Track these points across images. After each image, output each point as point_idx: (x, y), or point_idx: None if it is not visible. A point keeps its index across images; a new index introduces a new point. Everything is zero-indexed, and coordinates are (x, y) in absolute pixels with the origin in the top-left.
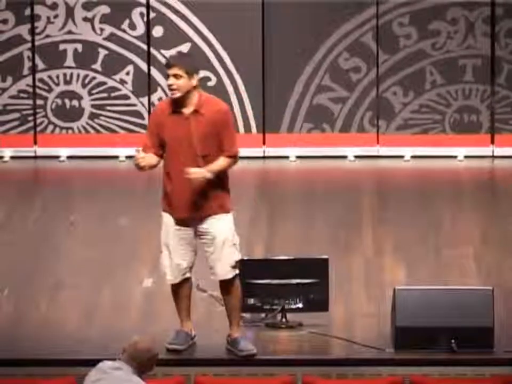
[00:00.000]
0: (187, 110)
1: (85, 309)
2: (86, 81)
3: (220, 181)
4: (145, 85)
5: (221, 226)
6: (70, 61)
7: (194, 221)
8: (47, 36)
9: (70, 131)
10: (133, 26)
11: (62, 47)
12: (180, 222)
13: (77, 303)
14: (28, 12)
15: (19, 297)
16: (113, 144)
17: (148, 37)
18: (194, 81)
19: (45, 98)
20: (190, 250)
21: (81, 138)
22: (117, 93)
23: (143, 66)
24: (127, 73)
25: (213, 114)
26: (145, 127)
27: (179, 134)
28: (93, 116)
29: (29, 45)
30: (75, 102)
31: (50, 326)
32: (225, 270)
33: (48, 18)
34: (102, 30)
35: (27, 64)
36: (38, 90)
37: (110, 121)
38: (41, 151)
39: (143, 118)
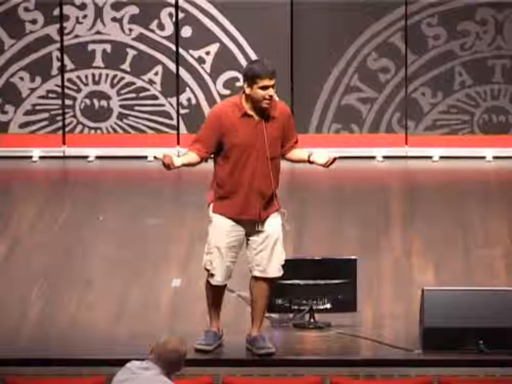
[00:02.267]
0: (259, 115)
1: (114, 308)
2: (115, 81)
3: (273, 180)
4: (174, 85)
5: (275, 224)
6: (98, 61)
7: (254, 221)
8: (76, 36)
9: (98, 131)
10: (161, 26)
11: (90, 47)
12: (238, 224)
13: (107, 303)
14: (56, 12)
15: (50, 296)
16: (142, 144)
17: (176, 37)
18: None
19: (74, 99)
20: (238, 252)
21: (110, 138)
22: (145, 93)
23: (172, 66)
24: (156, 74)
25: (284, 115)
26: (174, 128)
27: (251, 138)
28: (121, 116)
29: (58, 45)
30: (104, 102)
31: (80, 326)
32: (277, 268)
33: (77, 18)
34: (130, 30)
35: (56, 64)
36: (66, 91)
37: (139, 122)
38: (69, 151)
39: (171, 118)
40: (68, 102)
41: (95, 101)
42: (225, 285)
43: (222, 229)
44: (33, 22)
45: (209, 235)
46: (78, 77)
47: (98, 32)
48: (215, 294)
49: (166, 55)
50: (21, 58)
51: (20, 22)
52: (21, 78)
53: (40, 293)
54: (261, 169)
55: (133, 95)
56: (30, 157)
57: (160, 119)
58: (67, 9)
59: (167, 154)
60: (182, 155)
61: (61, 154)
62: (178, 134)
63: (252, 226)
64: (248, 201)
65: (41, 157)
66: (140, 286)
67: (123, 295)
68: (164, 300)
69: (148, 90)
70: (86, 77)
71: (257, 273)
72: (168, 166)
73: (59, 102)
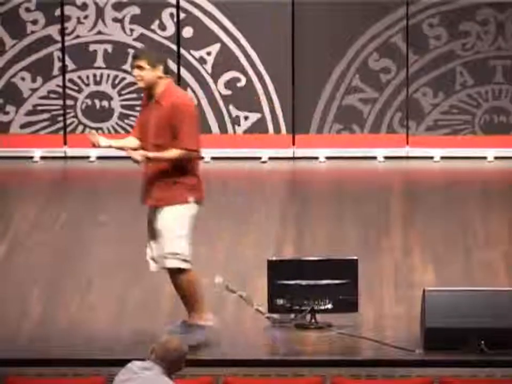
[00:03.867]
0: (152, 100)
1: (115, 309)
2: (116, 81)
3: (173, 172)
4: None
5: (167, 216)
6: (100, 62)
7: (151, 210)
8: (77, 37)
9: (99, 131)
10: (162, 27)
11: (92, 47)
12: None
13: (107, 303)
14: (58, 12)
15: (50, 297)
16: None
17: (177, 37)
18: (158, 72)
19: (75, 99)
20: (152, 238)
21: (111, 138)
22: None
23: (173, 67)
24: None
25: (170, 106)
26: None
27: (143, 122)
28: (122, 117)
29: (59, 45)
30: (105, 103)
31: (81, 325)
32: (168, 259)
33: (78, 18)
34: (132, 30)
35: (57, 64)
36: (67, 91)
37: None
38: (71, 151)
39: None
40: (69, 102)
41: (96, 101)
42: None
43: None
44: (34, 22)
45: None
46: (79, 77)
47: (99, 33)
48: (197, 282)
49: (168, 56)
50: (22, 59)
51: (21, 22)
52: (22, 79)
53: (40, 293)
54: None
55: (134, 95)
56: (32, 157)
57: None
58: (68, 10)
59: (94, 134)
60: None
61: (62, 154)
62: None
63: (151, 214)
64: (144, 188)
65: (43, 157)
66: (140, 286)
67: (123, 295)
68: (164, 300)
69: None
70: (87, 77)
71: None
72: (93, 145)
73: (60, 102)
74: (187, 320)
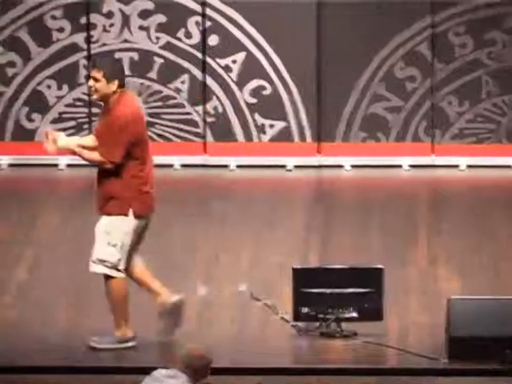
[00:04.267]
0: (104, 109)
1: (142, 317)
2: (142, 89)
3: (119, 183)
4: (201, 94)
5: (101, 224)
6: (125, 69)
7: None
8: (103, 45)
9: None
10: (188, 35)
11: (117, 55)
12: None
13: (135, 311)
14: (83, 20)
15: (76, 305)
16: (168, 153)
17: (203, 45)
18: (113, 87)
19: (101, 106)
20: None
21: None
22: (172, 102)
23: (199, 75)
24: (183, 82)
25: (109, 117)
26: (200, 136)
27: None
28: (148, 124)
29: (85, 53)
30: None
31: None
32: (91, 263)
33: (104, 26)
34: (158, 38)
35: (83, 72)
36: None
37: (165, 130)
38: None
39: (198, 127)
40: (94, 110)
41: None
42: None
43: None
44: (61, 30)
45: None
46: None
47: (125, 41)
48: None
49: (193, 64)
50: (48, 67)
51: (47, 30)
52: (48, 86)
53: (66, 302)
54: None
55: (160, 103)
56: (57, 165)
57: (187, 127)
58: (94, 18)
59: (54, 136)
60: None
61: (88, 162)
62: (204, 142)
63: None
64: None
65: (68, 165)
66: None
67: (151, 304)
68: (190, 308)
69: (175, 98)
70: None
71: None
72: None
73: (86, 110)
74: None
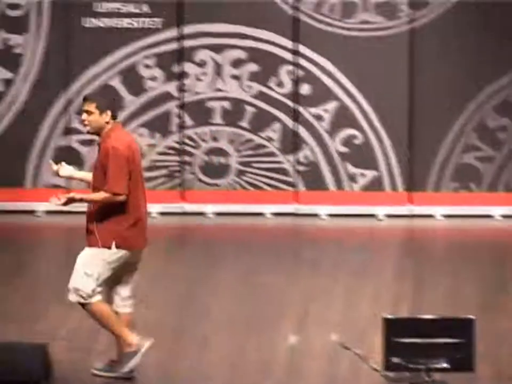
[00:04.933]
0: (99, 142)
1: (229, 366)
2: (233, 138)
3: (103, 216)
4: (292, 143)
5: (82, 255)
6: (217, 118)
7: None
8: (196, 93)
9: (216, 188)
10: (280, 84)
11: (210, 104)
12: None
13: (221, 360)
14: (176, 69)
15: (165, 353)
16: (259, 201)
17: (295, 94)
18: (106, 118)
19: (192, 155)
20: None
21: (228, 195)
22: (263, 150)
23: (290, 124)
24: (274, 131)
25: (104, 149)
26: (291, 185)
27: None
28: (239, 173)
29: (177, 102)
30: (222, 159)
31: (196, 382)
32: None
33: (196, 75)
34: (249, 87)
35: (175, 121)
36: (185, 147)
37: (256, 178)
38: (188, 207)
39: (288, 175)
40: (186, 158)
41: (214, 158)
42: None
43: None
44: (153, 79)
45: None
46: (197, 134)
47: (217, 89)
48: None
49: (284, 112)
50: (140, 115)
51: (140, 78)
52: (141, 135)
53: (156, 349)
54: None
55: (251, 152)
56: (149, 213)
57: (278, 176)
58: (187, 67)
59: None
60: None
61: (180, 210)
62: (295, 191)
63: None
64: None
65: (161, 213)
66: (255, 343)
67: (239, 352)
68: (280, 357)
69: (266, 147)
70: (205, 133)
71: None
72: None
73: (178, 158)
74: (114, 359)
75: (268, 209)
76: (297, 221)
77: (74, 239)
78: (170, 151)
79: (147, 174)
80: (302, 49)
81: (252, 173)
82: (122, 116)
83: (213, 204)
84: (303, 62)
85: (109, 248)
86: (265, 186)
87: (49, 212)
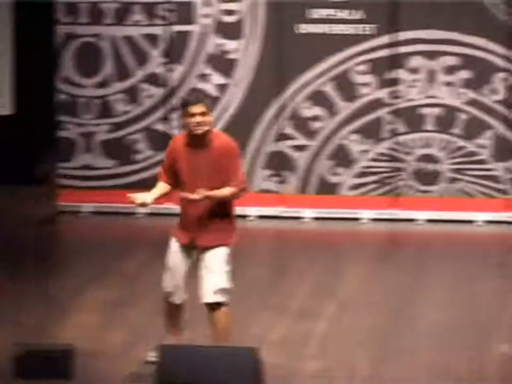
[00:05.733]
0: (201, 144)
1: (436, 373)
2: (445, 145)
3: (223, 213)
4: (505, 150)
5: (216, 255)
6: (429, 125)
7: (198, 249)
8: (408, 100)
9: (428, 194)
10: (494, 91)
11: (421, 110)
12: (187, 249)
13: (426, 366)
14: (389, 75)
15: (376, 358)
16: (469, 208)
17: (508, 101)
18: (211, 118)
19: (404, 161)
20: (186, 273)
21: (439, 202)
22: (475, 158)
23: (503, 131)
24: (487, 138)
25: (220, 147)
26: (503, 192)
27: (193, 166)
28: (451, 180)
29: (389, 108)
30: (433, 166)
31: None
32: (209, 294)
33: (409, 82)
34: (462, 94)
35: (387, 127)
36: (397, 154)
37: (467, 185)
38: (400, 214)
39: (500, 183)
40: (398, 165)
41: (425, 164)
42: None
43: (173, 252)
44: (366, 85)
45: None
46: (409, 140)
47: (430, 96)
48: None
49: (497, 119)
50: (353, 121)
51: (353, 85)
52: (353, 141)
53: (366, 354)
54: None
55: (463, 159)
56: (358, 219)
57: (489, 183)
58: (400, 73)
59: (137, 196)
60: (156, 188)
61: (391, 217)
62: (507, 198)
63: (198, 252)
64: (190, 229)
65: (372, 219)
66: (466, 348)
67: (443, 359)
68: (490, 366)
69: (479, 154)
70: (416, 140)
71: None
72: (142, 205)
73: (389, 164)
74: None
75: (479, 216)
76: (506, 229)
77: (281, 244)
78: (382, 157)
79: (358, 181)
80: None
81: (463, 180)
82: (335, 121)
83: (424, 210)
84: None
85: (231, 244)
86: (476, 194)
87: (261, 217)
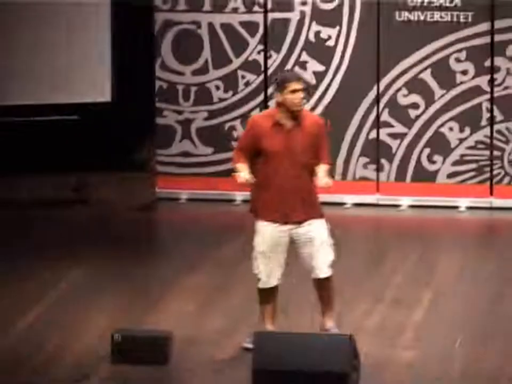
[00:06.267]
0: (290, 123)
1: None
2: None
3: (313, 187)
4: None
5: (319, 228)
6: None
7: (295, 225)
8: (506, 88)
9: None
10: None
11: None
12: (281, 227)
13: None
14: (488, 63)
15: (470, 349)
16: None
17: None
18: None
19: (502, 150)
20: (283, 255)
21: None
22: None
23: None
24: None
25: (313, 124)
26: None
27: (285, 144)
28: None
29: (488, 96)
30: None
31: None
32: (323, 268)
33: (507, 69)
34: None
35: (485, 115)
36: (495, 142)
37: None
38: (497, 202)
39: None
40: (496, 153)
41: None
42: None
43: (265, 235)
44: (464, 72)
45: (254, 241)
46: (507, 128)
47: None
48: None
49: None
50: (450, 109)
51: (451, 72)
52: (450, 128)
53: (460, 346)
54: (293, 174)
55: None
56: (457, 207)
57: None
58: (499, 61)
59: (241, 175)
60: (240, 168)
61: (488, 205)
62: None
63: (295, 229)
64: (283, 205)
65: (468, 207)
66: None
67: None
68: None
69: None
70: None
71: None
72: (246, 182)
73: (487, 152)
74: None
75: None
76: None
77: (377, 232)
78: (480, 146)
79: (455, 169)
80: None
81: None
82: (432, 109)
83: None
84: None
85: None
86: None
87: (357, 204)
